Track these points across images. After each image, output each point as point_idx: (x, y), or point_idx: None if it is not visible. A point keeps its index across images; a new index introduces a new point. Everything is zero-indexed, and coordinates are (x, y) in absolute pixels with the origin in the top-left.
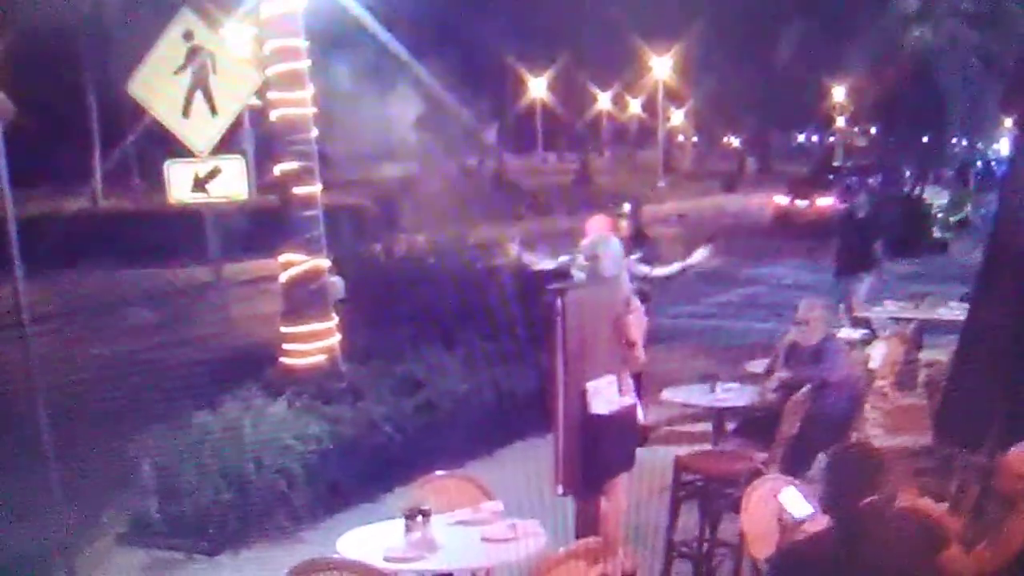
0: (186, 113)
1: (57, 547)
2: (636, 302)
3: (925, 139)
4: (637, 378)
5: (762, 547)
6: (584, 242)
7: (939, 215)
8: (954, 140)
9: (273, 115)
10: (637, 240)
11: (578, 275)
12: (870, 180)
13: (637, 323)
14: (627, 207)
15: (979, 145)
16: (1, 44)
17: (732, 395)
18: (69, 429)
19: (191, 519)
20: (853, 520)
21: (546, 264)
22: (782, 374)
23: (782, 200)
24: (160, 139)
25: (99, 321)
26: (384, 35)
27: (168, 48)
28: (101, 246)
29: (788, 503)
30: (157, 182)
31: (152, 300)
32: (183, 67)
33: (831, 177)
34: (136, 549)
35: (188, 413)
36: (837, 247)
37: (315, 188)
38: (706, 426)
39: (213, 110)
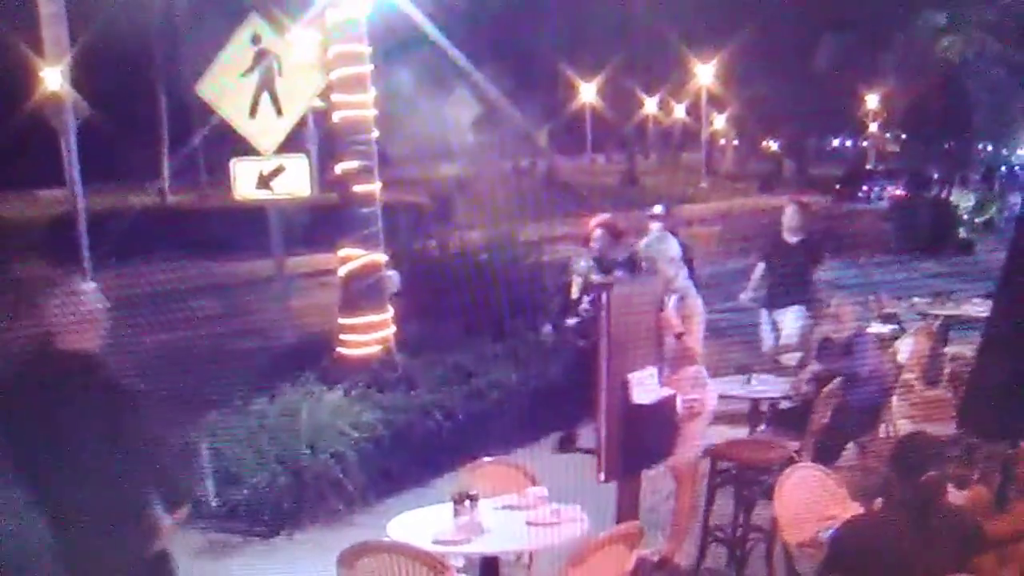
0: (253, 113)
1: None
2: (692, 297)
3: (953, 144)
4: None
5: (794, 532)
6: (642, 241)
7: (965, 216)
8: (980, 145)
9: (336, 116)
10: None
11: (578, 270)
12: (900, 183)
13: (690, 317)
14: (659, 208)
15: (1004, 150)
16: (77, 46)
17: (767, 386)
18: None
19: (247, 503)
20: (904, 507)
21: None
22: (815, 367)
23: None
24: (227, 138)
25: (163, 311)
26: (443, 42)
27: (237, 51)
28: (167, 240)
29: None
30: (223, 179)
31: (215, 292)
32: (251, 69)
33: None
34: (192, 532)
35: (247, 400)
36: (766, 275)
37: (374, 186)
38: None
39: (278, 111)
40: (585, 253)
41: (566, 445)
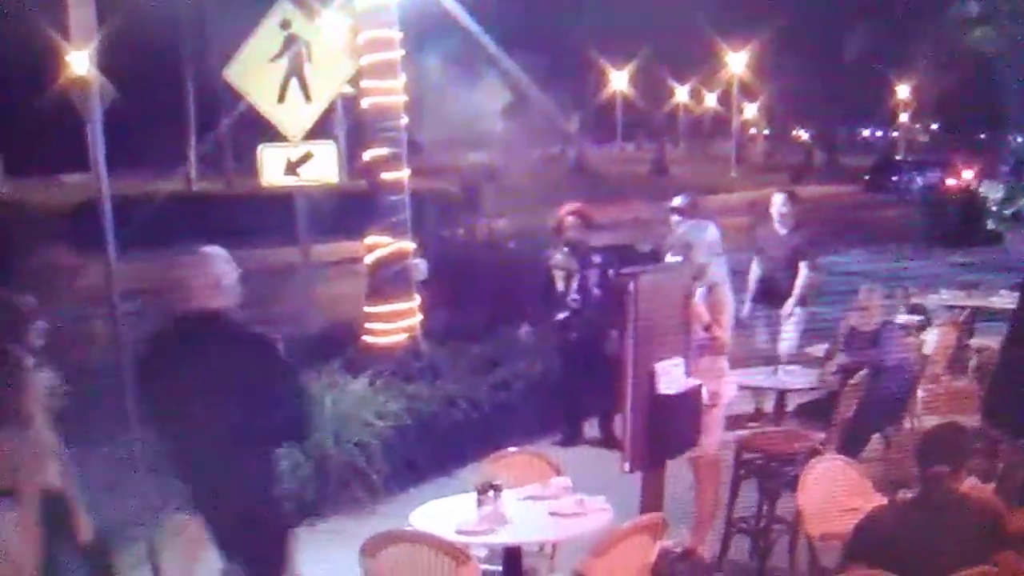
0: (281, 99)
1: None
2: (723, 288)
3: (982, 136)
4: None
5: (818, 524)
6: (679, 229)
7: (994, 208)
8: (1010, 137)
9: (365, 102)
10: None
11: (558, 264)
12: (929, 174)
13: (720, 308)
14: (680, 200)
15: None
16: (104, 29)
17: (793, 377)
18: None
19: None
20: (922, 499)
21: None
22: (841, 358)
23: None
24: (254, 124)
25: None
26: (474, 28)
27: (265, 36)
28: (193, 227)
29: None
30: (250, 166)
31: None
32: (279, 55)
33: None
34: None
35: None
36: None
37: (403, 173)
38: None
39: (307, 97)
40: (558, 244)
41: (570, 441)
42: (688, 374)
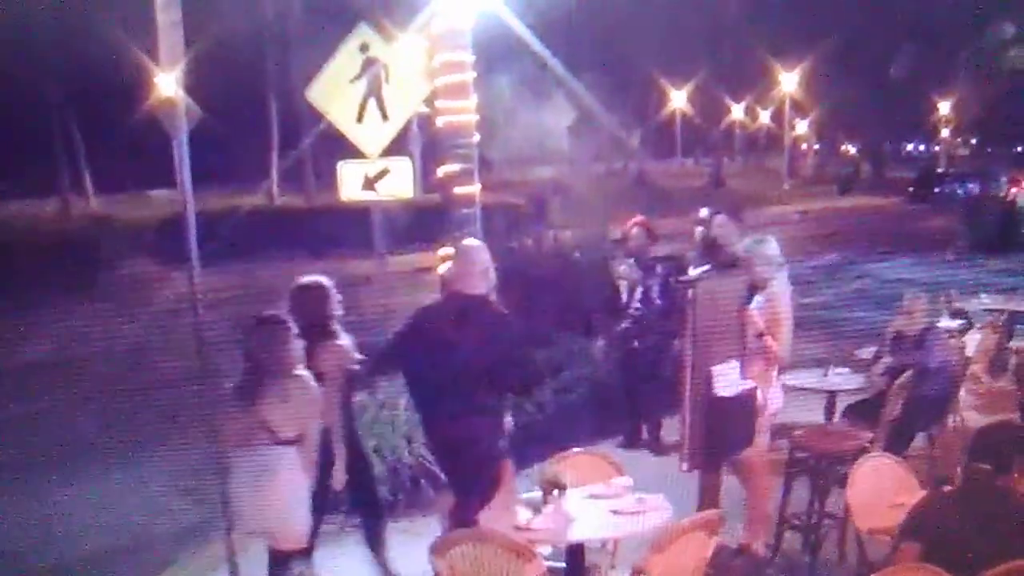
0: (359, 118)
1: (216, 518)
2: (783, 301)
3: (1019, 149)
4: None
5: (866, 519)
6: (743, 242)
7: None
8: None
9: (439, 121)
10: (712, 252)
11: (621, 274)
12: (969, 185)
13: (778, 321)
14: (705, 212)
15: None
16: (191, 52)
17: (842, 379)
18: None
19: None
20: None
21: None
22: (888, 360)
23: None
24: (334, 142)
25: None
26: (542, 51)
27: (345, 59)
28: (274, 240)
29: None
30: (329, 181)
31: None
32: (358, 76)
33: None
34: None
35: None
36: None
37: (474, 188)
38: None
39: (384, 116)
40: (620, 256)
41: (631, 443)
42: (743, 377)
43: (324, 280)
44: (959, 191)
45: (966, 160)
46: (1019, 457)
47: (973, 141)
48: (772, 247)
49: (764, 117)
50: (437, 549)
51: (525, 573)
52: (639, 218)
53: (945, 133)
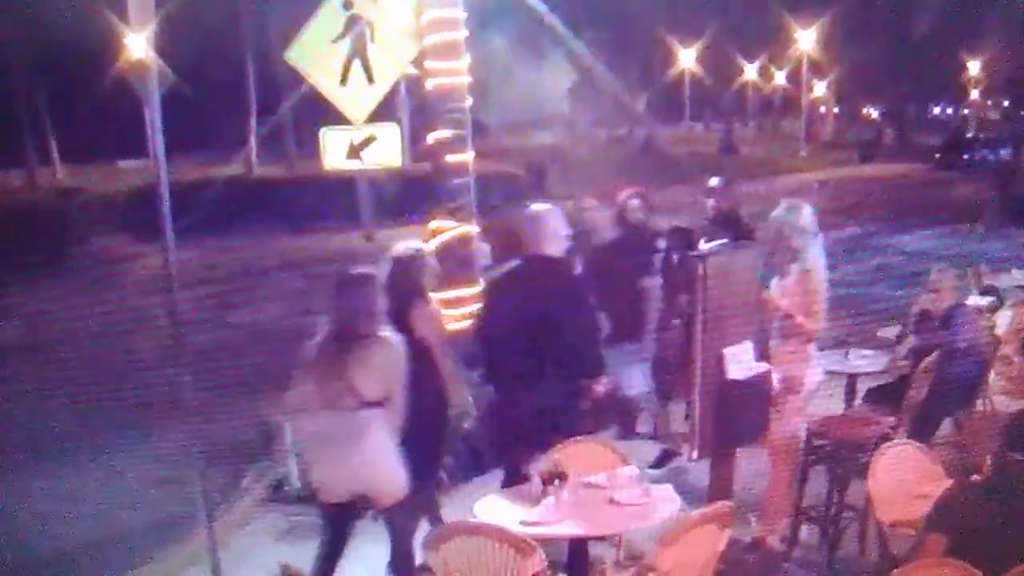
0: (343, 81)
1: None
2: (816, 272)
3: None
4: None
5: (888, 511)
6: (774, 211)
7: None
8: None
9: (429, 84)
10: (725, 223)
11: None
12: (1001, 151)
13: (813, 292)
14: (715, 181)
15: None
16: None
17: (865, 361)
18: (212, 392)
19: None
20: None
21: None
22: (912, 340)
23: None
24: (316, 107)
25: (248, 286)
26: (539, 6)
27: (327, 17)
28: (254, 212)
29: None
30: (312, 149)
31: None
32: (342, 36)
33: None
34: (276, 514)
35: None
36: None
37: (467, 156)
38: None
39: (370, 78)
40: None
41: (624, 434)
42: (760, 359)
43: (425, 248)
44: (990, 157)
45: (997, 124)
46: None
47: (1005, 103)
48: (806, 215)
49: (779, 78)
50: (431, 544)
51: (524, 568)
52: (634, 188)
53: (975, 95)
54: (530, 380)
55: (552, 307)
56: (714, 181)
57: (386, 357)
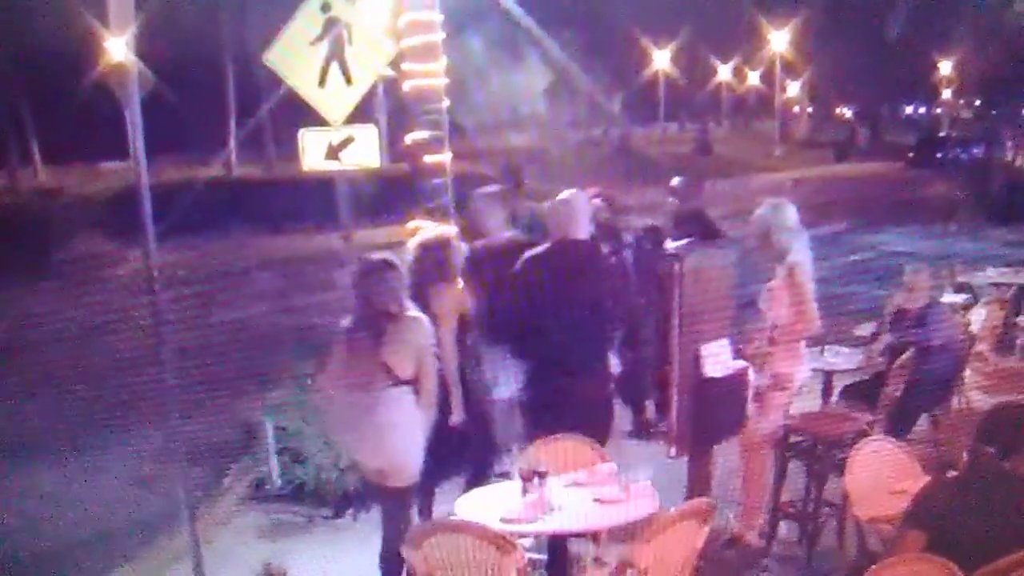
0: (322, 83)
1: (179, 509)
2: (802, 268)
3: None
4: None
5: (866, 507)
6: (758, 210)
7: None
8: None
9: (406, 86)
10: (689, 222)
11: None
12: (973, 150)
13: (801, 289)
14: (676, 181)
15: None
16: (141, 15)
17: (840, 358)
18: (194, 392)
19: (312, 483)
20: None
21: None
22: (888, 338)
23: None
24: (294, 108)
25: (228, 286)
26: (515, 9)
27: (306, 19)
28: (234, 213)
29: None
30: (290, 150)
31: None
32: (320, 38)
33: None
34: (257, 512)
35: (311, 377)
36: None
37: (445, 157)
38: None
39: (348, 80)
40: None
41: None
42: (736, 356)
43: (451, 234)
44: (963, 156)
45: (970, 123)
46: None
47: (977, 103)
48: (789, 212)
49: (753, 79)
50: (411, 541)
51: (505, 565)
52: (596, 189)
53: (947, 94)
54: (568, 357)
55: (592, 288)
56: (675, 180)
57: (418, 333)
